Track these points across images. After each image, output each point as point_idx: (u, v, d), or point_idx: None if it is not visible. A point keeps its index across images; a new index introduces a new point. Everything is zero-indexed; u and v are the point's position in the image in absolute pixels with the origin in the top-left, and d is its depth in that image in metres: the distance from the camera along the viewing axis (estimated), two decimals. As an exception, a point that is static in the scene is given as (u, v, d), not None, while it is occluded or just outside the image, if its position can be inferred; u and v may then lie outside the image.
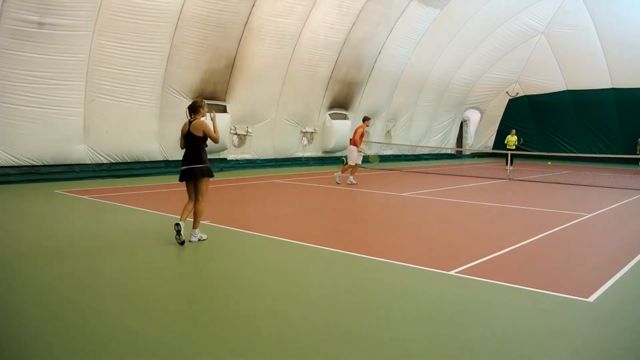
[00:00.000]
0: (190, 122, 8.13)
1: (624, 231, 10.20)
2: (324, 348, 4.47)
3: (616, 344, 4.68)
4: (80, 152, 16.27)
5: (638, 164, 29.38)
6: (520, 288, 6.14)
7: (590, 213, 11.90)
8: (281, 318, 5.15)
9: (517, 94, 35.04)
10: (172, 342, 4.50)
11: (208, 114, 8.34)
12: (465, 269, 6.90)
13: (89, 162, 16.62)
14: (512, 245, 8.39)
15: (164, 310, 5.29)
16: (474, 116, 36.04)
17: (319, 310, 5.39)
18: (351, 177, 16.73)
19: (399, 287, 6.29)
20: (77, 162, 16.34)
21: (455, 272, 6.73)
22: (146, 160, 18.09)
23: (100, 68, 15.86)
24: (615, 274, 6.80)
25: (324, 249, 8.01)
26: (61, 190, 14.04)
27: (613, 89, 31.10)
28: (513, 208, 12.78)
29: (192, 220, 8.31)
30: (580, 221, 10.91)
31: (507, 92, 35.00)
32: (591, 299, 5.80)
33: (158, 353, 4.31)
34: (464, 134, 36.44)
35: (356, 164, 16.66)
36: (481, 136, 36.24)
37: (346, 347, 4.51)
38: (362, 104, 26.15)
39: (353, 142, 16.65)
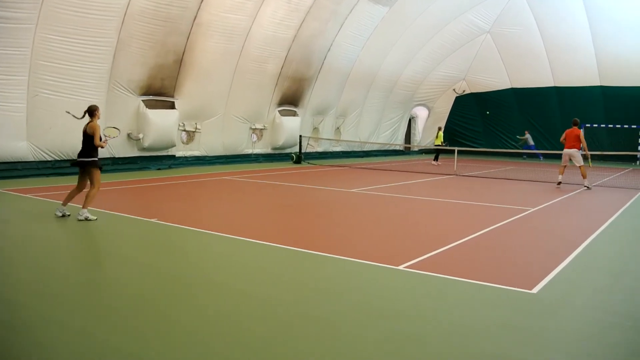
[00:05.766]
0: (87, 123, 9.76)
1: (565, 224, 10.55)
2: (275, 344, 4.49)
3: (559, 334, 4.85)
4: (23, 150, 15.76)
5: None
6: (467, 281, 6.29)
7: (533, 207, 12.26)
8: (230, 315, 5.14)
9: (464, 91, 35.73)
10: (121, 343, 4.45)
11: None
12: (414, 263, 7.03)
13: (32, 160, 16.10)
14: (458, 240, 8.57)
15: (113, 311, 5.21)
16: (422, 113, 36.52)
17: (269, 308, 5.40)
18: None
19: (349, 283, 6.36)
20: (20, 160, 15.82)
21: (404, 267, 6.84)
22: (92, 157, 17.65)
23: (44, 62, 15.38)
24: (558, 265, 7.04)
25: (275, 245, 8.02)
26: (3, 189, 13.59)
27: (555, 87, 32.08)
28: (460, 203, 13.04)
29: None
30: (524, 215, 11.22)
31: (454, 89, 35.63)
32: (534, 290, 5.99)
33: (106, 354, 4.25)
34: (412, 131, 36.90)
35: None
36: (429, 133, 36.73)
37: (297, 343, 4.54)
38: (311, 101, 26.19)
39: None
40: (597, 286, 6.42)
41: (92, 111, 9.82)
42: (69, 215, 9.87)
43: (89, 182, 9.85)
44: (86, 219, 9.50)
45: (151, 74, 18.47)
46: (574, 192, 15.58)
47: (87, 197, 9.65)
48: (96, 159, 9.82)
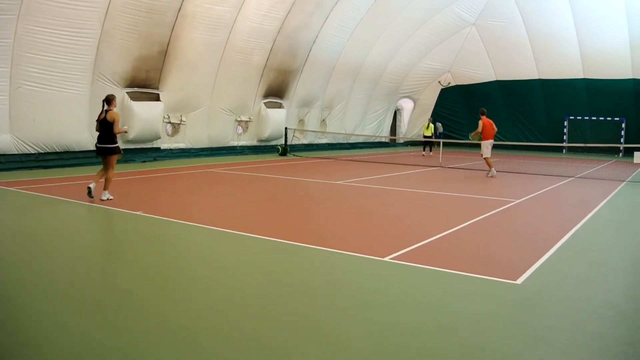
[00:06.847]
0: (106, 111, 10.60)
1: (549, 216, 10.63)
2: (263, 337, 4.49)
3: (542, 324, 4.90)
4: (6, 142, 15.59)
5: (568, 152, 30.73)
6: (452, 272, 6.33)
7: (518, 199, 12.34)
8: (218, 309, 5.14)
9: (449, 83, 35.81)
10: (112, 339, 4.43)
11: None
12: (400, 255, 7.06)
13: (16, 153, 15.94)
14: (444, 231, 8.61)
15: (100, 306, 5.18)
16: (407, 105, 36.59)
17: (257, 300, 5.40)
18: None
19: (335, 275, 6.37)
20: (3, 153, 15.66)
21: (390, 259, 6.87)
22: (76, 149, 17.46)
23: (27, 54, 15.20)
24: (541, 257, 7.10)
25: (261, 238, 8.01)
26: (-15, 181, 13.48)
27: (539, 79, 32.25)
28: (445, 195, 13.10)
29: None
30: (508, 207, 11.30)
31: (439, 81, 35.68)
32: (519, 281, 6.05)
33: (96, 351, 4.23)
34: (397, 123, 36.97)
35: None
36: (414, 125, 36.83)
37: (285, 335, 4.55)
38: (297, 93, 26.13)
39: None
40: (580, 277, 6.48)
41: (109, 100, 10.65)
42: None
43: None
44: (108, 199, 10.63)
45: (135, 66, 18.34)
46: (557, 183, 15.70)
47: (106, 180, 10.78)
48: (117, 144, 10.88)
